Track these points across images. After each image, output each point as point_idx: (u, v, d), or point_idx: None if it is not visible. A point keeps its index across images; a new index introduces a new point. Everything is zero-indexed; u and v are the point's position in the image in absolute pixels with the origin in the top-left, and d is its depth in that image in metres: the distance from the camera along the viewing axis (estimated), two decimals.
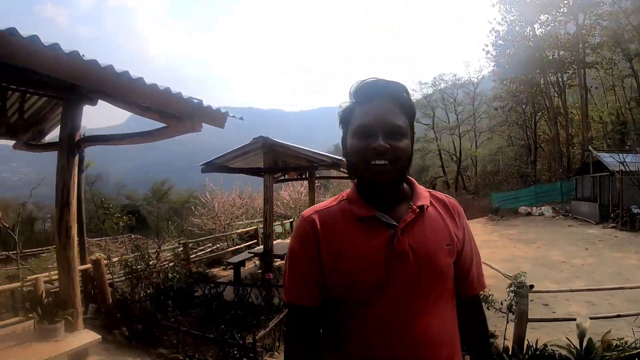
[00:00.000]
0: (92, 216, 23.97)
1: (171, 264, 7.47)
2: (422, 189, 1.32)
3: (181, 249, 9.32)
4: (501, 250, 13.05)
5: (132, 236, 17.28)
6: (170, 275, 6.81)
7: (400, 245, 1.18)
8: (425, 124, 40.00)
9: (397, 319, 1.17)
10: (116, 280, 7.05)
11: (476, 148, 38.11)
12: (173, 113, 3.41)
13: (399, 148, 1.19)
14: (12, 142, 5.08)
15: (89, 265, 6.43)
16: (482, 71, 38.65)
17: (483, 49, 34.79)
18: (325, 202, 1.34)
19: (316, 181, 22.23)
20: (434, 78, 40.46)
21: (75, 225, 4.00)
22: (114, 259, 7.50)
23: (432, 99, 40.62)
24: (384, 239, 1.19)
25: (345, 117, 1.28)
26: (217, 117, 3.60)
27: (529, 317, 4.61)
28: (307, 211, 1.31)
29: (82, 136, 4.13)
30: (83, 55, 2.51)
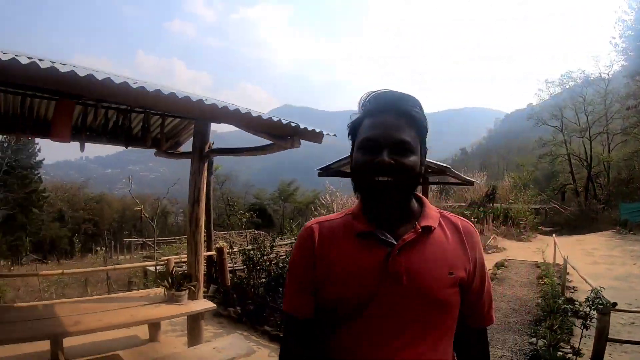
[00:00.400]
0: (221, 212, 26.02)
1: (283, 256, 8.39)
2: (432, 209, 1.24)
3: None
4: (618, 268, 12.18)
5: (255, 231, 18.79)
6: (281, 265, 7.72)
7: (395, 266, 1.11)
8: (553, 126, 36.66)
9: (383, 343, 1.12)
10: (236, 268, 8.19)
11: (609, 152, 33.80)
12: (277, 134, 4.25)
13: (404, 164, 1.12)
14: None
15: (213, 252, 7.61)
16: (612, 66, 34.01)
17: (610, 42, 31.24)
18: (333, 214, 1.33)
19: (436, 187, 21.81)
20: (562, 76, 36.87)
21: (204, 217, 4.99)
22: (235, 249, 8.68)
23: (560, 99, 37.00)
24: (379, 257, 1.13)
25: (353, 129, 1.24)
26: (314, 136, 4.34)
27: (614, 337, 4.58)
28: (311, 221, 1.31)
29: (210, 147, 5.15)
30: (206, 100, 3.44)
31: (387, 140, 1.13)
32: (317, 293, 1.21)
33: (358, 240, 1.18)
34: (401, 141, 1.13)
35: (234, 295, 6.85)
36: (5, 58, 2.48)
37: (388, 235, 1.15)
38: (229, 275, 7.37)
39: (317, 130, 4.31)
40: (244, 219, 9.98)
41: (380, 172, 1.11)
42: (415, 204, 1.25)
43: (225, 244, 8.27)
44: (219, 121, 4.37)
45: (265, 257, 7.48)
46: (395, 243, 1.14)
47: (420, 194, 1.29)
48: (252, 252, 7.50)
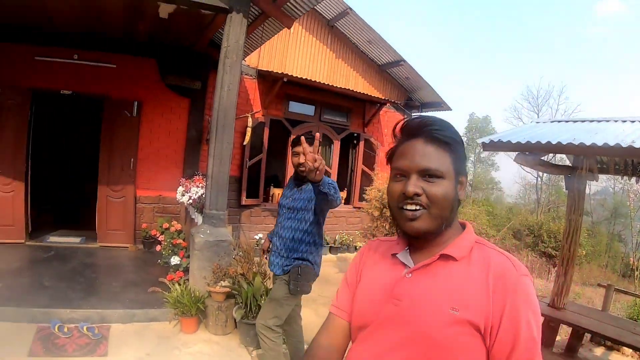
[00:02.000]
0: None
1: None
2: (467, 239, 1.11)
3: None
4: None
5: None
6: None
7: (398, 289, 1.09)
8: None
9: None
10: None
11: None
12: None
13: (431, 192, 1.05)
14: None
15: None
16: None
17: None
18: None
19: None
20: None
21: None
22: None
23: None
24: (394, 278, 1.12)
25: (389, 159, 1.19)
26: None
27: None
28: (377, 238, 1.34)
29: None
30: None
31: (413, 169, 1.08)
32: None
33: (390, 261, 1.17)
34: (427, 168, 1.06)
35: None
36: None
37: (409, 259, 1.13)
38: None
39: None
40: None
41: (408, 201, 1.07)
42: (456, 231, 1.14)
43: None
44: None
45: None
46: (412, 266, 1.11)
47: (467, 221, 1.19)
48: None
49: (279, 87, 7.55)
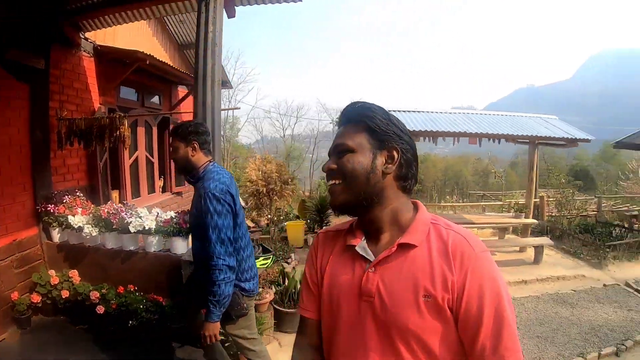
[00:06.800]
0: (542, 173, 27.84)
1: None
2: (422, 222, 1.11)
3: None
4: None
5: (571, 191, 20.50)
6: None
7: (367, 284, 1.07)
8: None
9: None
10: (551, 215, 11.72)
11: None
12: None
13: (342, 165, 1.10)
14: None
15: (537, 200, 11.34)
16: None
17: None
18: (345, 222, 1.28)
19: None
20: None
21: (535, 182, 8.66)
22: (551, 199, 12.36)
23: None
24: (358, 274, 1.11)
25: None
26: None
27: None
28: (325, 228, 1.33)
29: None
30: None
31: (331, 150, 1.15)
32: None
33: (347, 253, 1.17)
34: (339, 145, 1.12)
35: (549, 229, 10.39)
36: None
37: (368, 251, 1.12)
38: (546, 217, 11.04)
39: None
40: (563, 179, 13.00)
41: (329, 177, 1.13)
42: (407, 213, 1.14)
43: (545, 195, 11.86)
44: None
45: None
46: (373, 259, 1.10)
47: (418, 201, 1.18)
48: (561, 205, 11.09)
49: (133, 69, 5.84)
